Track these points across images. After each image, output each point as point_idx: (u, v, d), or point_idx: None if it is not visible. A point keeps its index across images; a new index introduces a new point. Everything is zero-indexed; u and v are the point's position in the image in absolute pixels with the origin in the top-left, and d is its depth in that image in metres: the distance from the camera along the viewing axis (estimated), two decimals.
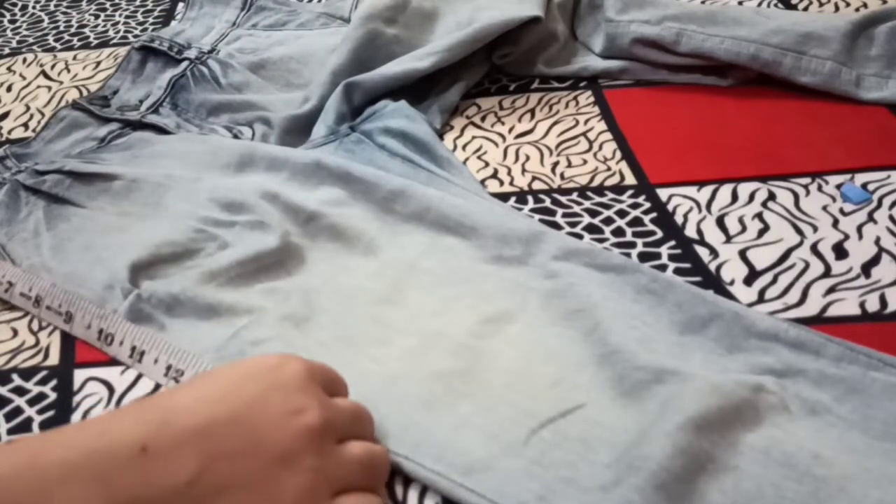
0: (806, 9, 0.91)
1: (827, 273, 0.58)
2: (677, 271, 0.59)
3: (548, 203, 0.66)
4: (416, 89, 0.76)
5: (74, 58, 0.93)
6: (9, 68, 0.92)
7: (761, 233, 0.62)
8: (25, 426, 0.51)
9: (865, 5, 0.90)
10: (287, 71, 0.83)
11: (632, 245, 0.61)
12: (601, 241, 0.62)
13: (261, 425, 0.41)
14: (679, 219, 0.63)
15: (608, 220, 0.64)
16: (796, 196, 0.65)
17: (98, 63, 0.91)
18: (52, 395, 0.53)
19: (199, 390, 0.41)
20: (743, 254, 0.60)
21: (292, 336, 0.54)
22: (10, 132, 0.81)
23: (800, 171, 0.67)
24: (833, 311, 0.55)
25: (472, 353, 0.52)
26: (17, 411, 0.53)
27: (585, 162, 0.71)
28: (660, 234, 0.62)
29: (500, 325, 0.54)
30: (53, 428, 0.41)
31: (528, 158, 0.72)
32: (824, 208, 0.63)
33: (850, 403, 0.48)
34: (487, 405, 0.49)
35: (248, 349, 0.53)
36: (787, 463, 0.44)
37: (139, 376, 0.54)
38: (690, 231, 0.62)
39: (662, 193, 0.66)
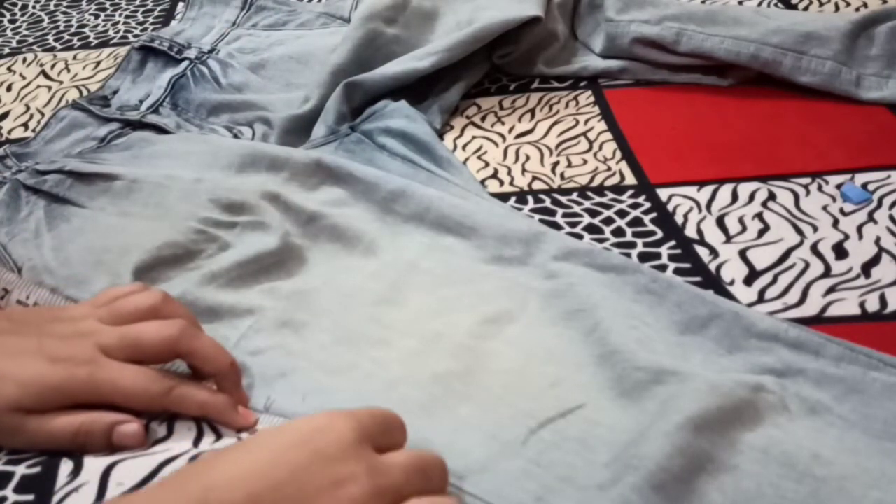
0: (806, 9, 0.91)
1: (827, 273, 0.58)
2: (677, 271, 0.59)
3: (548, 203, 0.66)
4: (416, 89, 0.76)
5: (74, 58, 0.93)
6: (9, 68, 0.92)
7: (761, 233, 0.62)
8: None
9: (865, 5, 0.90)
10: (287, 71, 0.83)
11: (632, 245, 0.61)
12: (601, 241, 0.62)
13: (305, 499, 0.38)
14: (679, 219, 0.63)
15: (608, 220, 0.64)
16: (796, 196, 0.65)
17: (98, 63, 0.91)
18: None
19: (240, 462, 0.39)
20: (743, 254, 0.60)
21: (292, 343, 0.54)
22: (10, 132, 0.81)
23: (800, 171, 0.67)
24: (833, 311, 0.55)
25: (471, 354, 0.52)
26: None
27: (585, 162, 0.71)
28: (660, 234, 0.62)
29: (500, 326, 0.54)
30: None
31: (528, 158, 0.72)
32: (824, 208, 0.63)
33: (849, 403, 0.48)
34: (487, 406, 0.49)
35: (248, 359, 0.53)
36: (786, 463, 0.44)
37: None
38: (690, 231, 0.62)
39: (662, 193, 0.66)
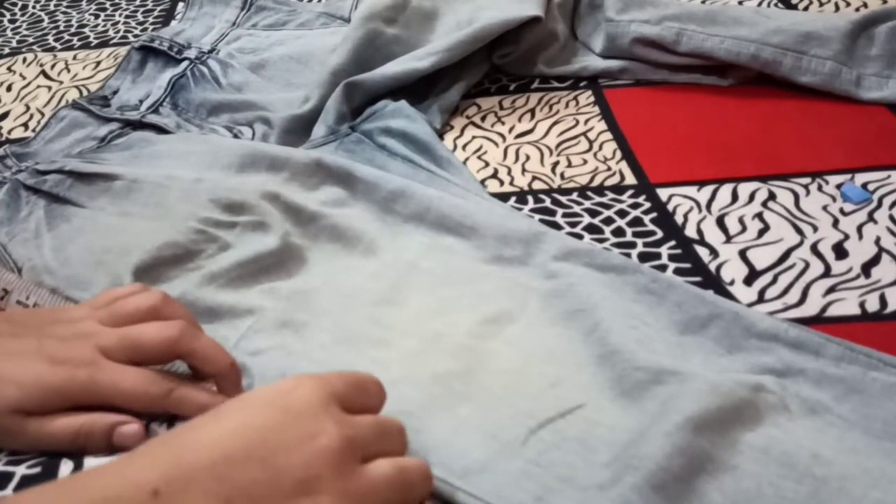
0: (806, 8, 0.91)
1: (827, 273, 0.58)
2: (677, 271, 0.59)
3: (548, 203, 0.66)
4: (416, 89, 0.76)
5: (74, 58, 0.93)
6: (9, 68, 0.92)
7: (761, 233, 0.62)
8: None
9: (865, 5, 0.90)
10: (287, 71, 0.83)
11: (632, 245, 0.61)
12: (601, 241, 0.62)
13: (276, 455, 0.39)
14: (679, 219, 0.63)
15: (608, 220, 0.64)
16: (796, 196, 0.65)
17: (98, 63, 0.91)
18: None
19: (211, 424, 0.40)
20: (743, 254, 0.60)
21: (292, 343, 0.54)
22: (9, 132, 0.81)
23: (800, 171, 0.67)
24: (833, 311, 0.55)
25: (471, 354, 0.52)
26: None
27: (585, 162, 0.71)
28: (660, 234, 0.62)
29: (500, 326, 0.54)
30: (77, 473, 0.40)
31: (528, 158, 0.72)
32: (824, 208, 0.63)
33: (849, 403, 0.48)
34: (487, 406, 0.49)
35: (248, 360, 0.53)
36: (786, 463, 0.44)
37: None
38: (690, 231, 0.62)
39: (662, 193, 0.66)
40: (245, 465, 0.38)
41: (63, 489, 0.38)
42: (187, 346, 0.49)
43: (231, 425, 0.40)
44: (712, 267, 0.59)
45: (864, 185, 0.65)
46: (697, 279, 0.58)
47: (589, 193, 0.67)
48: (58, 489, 0.38)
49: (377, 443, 0.42)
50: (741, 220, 0.63)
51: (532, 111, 0.78)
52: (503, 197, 0.67)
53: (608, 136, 0.73)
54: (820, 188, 0.65)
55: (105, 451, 0.48)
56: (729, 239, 0.61)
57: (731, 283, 0.58)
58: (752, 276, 0.58)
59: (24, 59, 0.93)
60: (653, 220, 0.64)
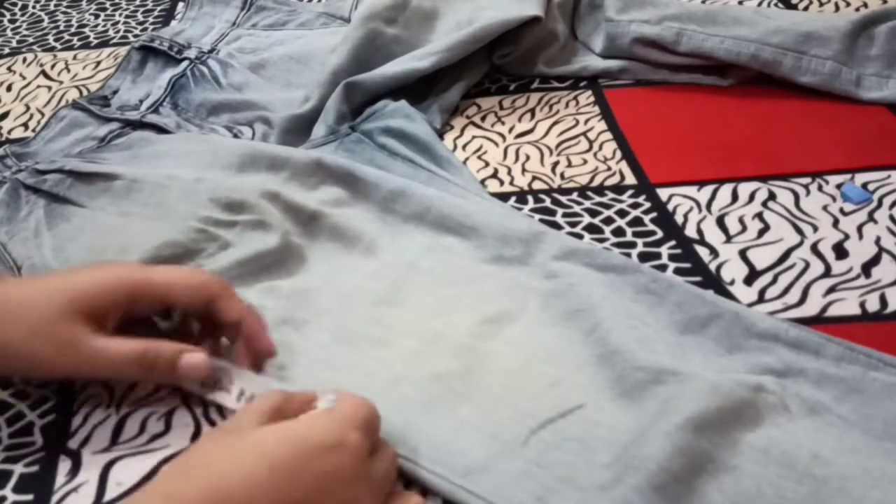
0: (806, 8, 0.91)
1: (827, 273, 0.58)
2: (677, 271, 0.59)
3: (548, 203, 0.66)
4: (416, 89, 0.76)
5: (74, 57, 0.93)
6: (9, 68, 0.92)
7: (761, 233, 0.62)
8: (27, 430, 0.51)
9: (866, 5, 0.90)
10: (287, 71, 0.83)
11: (632, 245, 0.61)
12: (601, 240, 0.62)
13: (320, 462, 0.39)
14: (679, 219, 0.63)
15: (608, 220, 0.64)
16: (796, 196, 0.65)
17: (98, 63, 0.91)
18: (54, 399, 0.53)
19: (245, 469, 0.38)
20: (743, 254, 0.60)
21: (292, 340, 0.54)
22: (9, 132, 0.81)
23: (800, 171, 0.67)
24: (833, 311, 0.55)
25: (471, 354, 0.52)
26: (19, 416, 0.52)
27: (585, 162, 0.70)
28: (660, 233, 0.62)
29: (500, 326, 0.54)
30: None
31: (528, 158, 0.72)
32: (824, 208, 0.63)
33: (850, 403, 0.48)
34: (487, 406, 0.49)
35: None
36: (786, 463, 0.44)
37: None
38: (690, 231, 0.62)
39: (663, 193, 0.66)
40: (296, 472, 0.38)
41: None
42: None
43: (272, 476, 0.38)
44: (712, 267, 0.59)
45: (864, 185, 0.65)
46: (697, 279, 0.58)
47: (589, 193, 0.67)
48: None
49: (390, 484, 0.43)
50: (741, 220, 0.63)
51: (532, 111, 0.78)
52: (503, 197, 0.67)
53: (608, 135, 0.73)
54: (820, 188, 0.65)
55: (168, 378, 0.48)
56: (729, 239, 0.61)
57: (732, 282, 0.58)
58: (752, 276, 0.58)
59: (24, 59, 0.93)
60: (653, 220, 0.63)
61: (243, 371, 0.50)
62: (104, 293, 0.47)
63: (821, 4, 0.92)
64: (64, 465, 0.49)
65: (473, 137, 0.75)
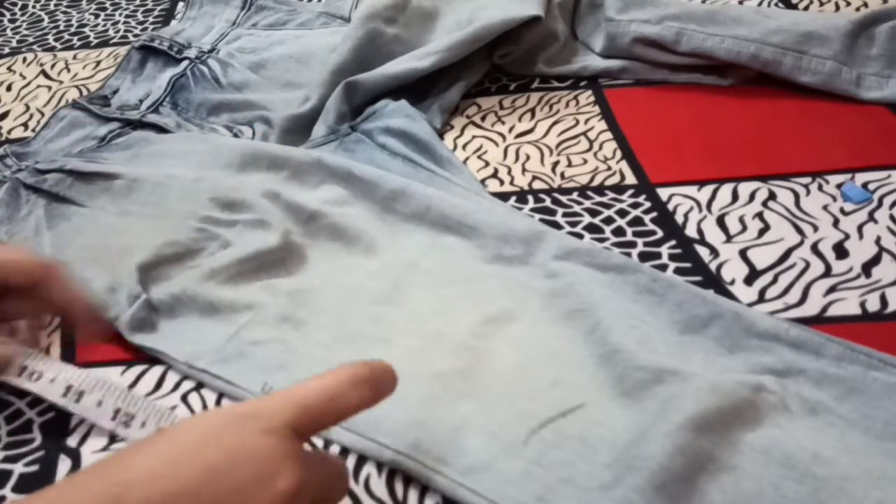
0: (806, 8, 0.91)
1: (827, 273, 0.58)
2: (677, 271, 0.59)
3: (548, 202, 0.66)
4: (417, 89, 0.76)
5: (74, 57, 0.92)
6: (9, 68, 0.92)
7: (762, 232, 0.62)
8: (26, 428, 0.51)
9: (866, 5, 0.90)
10: (287, 70, 0.83)
11: (632, 245, 0.61)
12: (601, 240, 0.62)
13: (227, 498, 0.35)
14: (679, 218, 0.63)
15: (608, 220, 0.64)
16: (797, 195, 0.65)
17: (98, 62, 0.91)
18: None
19: (154, 457, 0.36)
20: (743, 253, 0.60)
21: (292, 338, 0.54)
22: (9, 132, 0.81)
23: (800, 171, 0.67)
24: (833, 311, 0.55)
25: (472, 353, 0.52)
26: (18, 414, 0.52)
27: (586, 161, 0.70)
28: (660, 233, 0.62)
29: (501, 325, 0.54)
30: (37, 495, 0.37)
31: (528, 158, 0.72)
32: (825, 208, 0.63)
33: (850, 403, 0.48)
34: (488, 405, 0.49)
35: (248, 349, 0.53)
36: (787, 463, 0.44)
37: (138, 378, 0.54)
38: (691, 231, 0.62)
39: (663, 193, 0.66)
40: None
41: None
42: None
43: (176, 457, 0.36)
44: (713, 266, 0.59)
45: (865, 185, 0.65)
46: (698, 279, 0.58)
47: (589, 193, 0.67)
48: None
49: (322, 490, 0.40)
50: (741, 220, 0.63)
51: (532, 111, 0.78)
52: (503, 196, 0.67)
53: (608, 135, 0.73)
54: (820, 188, 0.65)
55: None
56: (729, 238, 0.61)
57: (732, 282, 0.58)
58: (752, 276, 0.58)
59: (24, 59, 0.93)
60: (653, 220, 0.63)
61: (47, 358, 0.50)
62: None
63: (821, 4, 0.92)
64: (64, 465, 0.49)
65: (474, 137, 0.75)
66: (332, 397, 0.39)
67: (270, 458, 0.37)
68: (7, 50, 0.96)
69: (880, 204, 0.63)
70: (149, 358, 0.55)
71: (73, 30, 0.99)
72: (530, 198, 0.67)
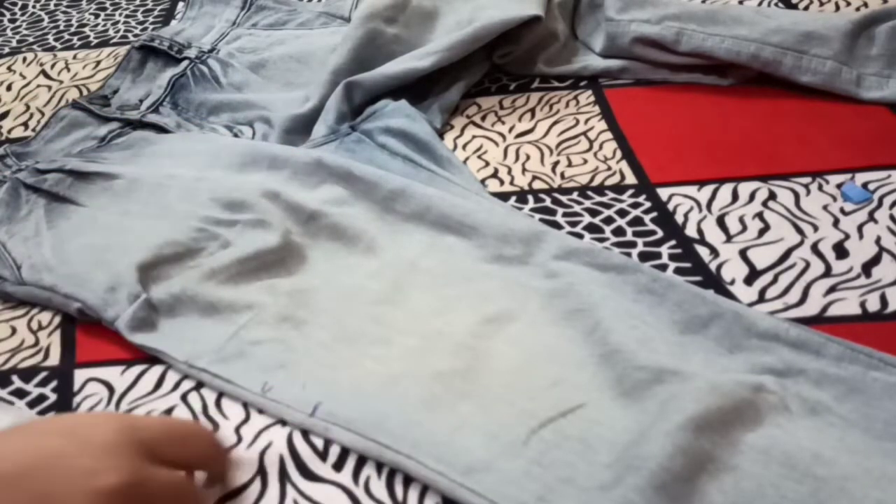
0: (806, 8, 0.91)
1: (827, 273, 0.58)
2: (678, 271, 0.59)
3: (548, 202, 0.66)
4: (417, 89, 0.76)
5: (74, 57, 0.92)
6: (9, 68, 0.92)
7: (762, 232, 0.62)
8: None
9: (866, 5, 0.90)
10: (287, 70, 0.83)
11: (632, 244, 0.61)
12: (602, 240, 0.62)
13: (51, 483, 0.36)
14: (679, 218, 0.63)
15: (608, 220, 0.64)
16: (797, 195, 0.65)
17: (98, 62, 0.91)
18: (53, 397, 0.53)
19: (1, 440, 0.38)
20: (743, 253, 0.60)
21: (292, 337, 0.54)
22: (9, 131, 0.81)
23: (800, 171, 0.67)
24: (833, 311, 0.55)
25: (472, 353, 0.52)
26: None
27: (586, 161, 0.70)
28: (660, 233, 0.62)
29: (501, 325, 0.54)
30: None
31: (528, 158, 0.71)
32: (825, 208, 0.63)
33: (850, 403, 0.48)
34: (488, 405, 0.49)
35: (248, 349, 0.53)
36: (787, 463, 0.44)
37: (139, 377, 0.54)
38: (691, 230, 0.62)
39: (663, 193, 0.66)
40: (17, 484, 0.36)
41: None
42: None
43: (14, 445, 0.38)
44: (713, 266, 0.59)
45: (865, 185, 0.65)
46: (698, 279, 0.58)
47: (589, 193, 0.67)
48: None
49: (165, 499, 0.40)
50: (741, 220, 0.63)
51: (532, 111, 0.78)
52: (503, 196, 0.67)
53: (608, 135, 0.73)
54: (820, 188, 0.65)
55: None
56: (729, 238, 0.61)
57: (732, 282, 0.58)
58: (752, 276, 0.58)
59: (24, 59, 0.93)
60: (653, 220, 0.63)
61: None
62: None
63: (821, 4, 0.91)
64: None
65: (474, 137, 0.75)
66: (173, 426, 0.42)
67: (106, 455, 0.38)
68: (7, 50, 0.96)
69: (880, 204, 0.63)
70: (149, 357, 0.55)
71: (73, 30, 0.99)
72: (530, 198, 0.67)
